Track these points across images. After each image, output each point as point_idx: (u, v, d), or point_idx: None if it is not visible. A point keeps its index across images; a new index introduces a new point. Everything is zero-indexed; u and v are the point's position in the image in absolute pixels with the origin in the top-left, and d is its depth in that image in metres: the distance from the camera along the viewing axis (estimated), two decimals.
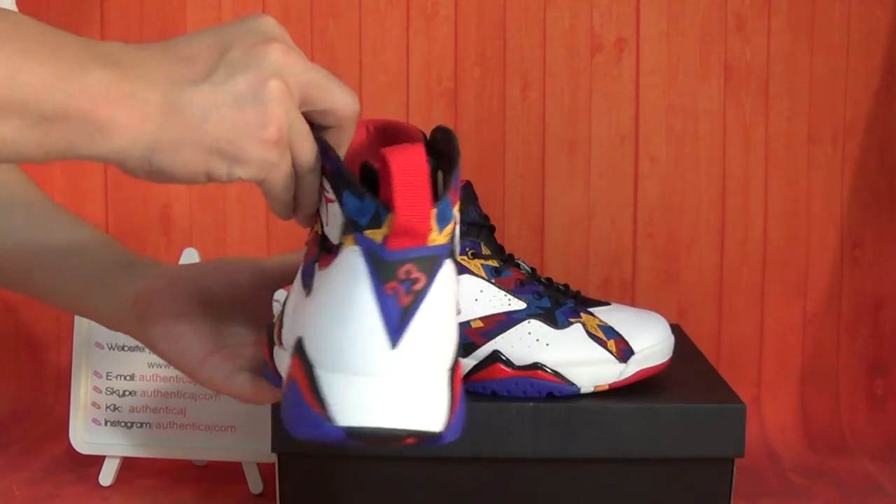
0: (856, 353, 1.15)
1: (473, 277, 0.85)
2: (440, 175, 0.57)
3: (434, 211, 0.52)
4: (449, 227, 0.53)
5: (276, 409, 0.83)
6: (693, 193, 1.15)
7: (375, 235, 0.52)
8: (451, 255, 0.54)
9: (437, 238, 0.53)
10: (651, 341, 0.86)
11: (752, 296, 1.15)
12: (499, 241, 0.90)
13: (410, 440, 0.53)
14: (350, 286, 0.53)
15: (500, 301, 0.84)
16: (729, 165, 1.15)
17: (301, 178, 0.57)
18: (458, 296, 0.60)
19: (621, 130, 1.15)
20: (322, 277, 0.55)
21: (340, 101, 0.60)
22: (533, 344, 0.83)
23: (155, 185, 1.16)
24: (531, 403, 0.82)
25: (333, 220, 0.55)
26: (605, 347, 0.84)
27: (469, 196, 0.89)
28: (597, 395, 0.84)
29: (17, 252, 0.73)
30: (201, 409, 0.96)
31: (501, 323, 0.83)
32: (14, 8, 0.86)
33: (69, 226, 0.74)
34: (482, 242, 0.87)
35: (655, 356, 0.86)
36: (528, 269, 0.89)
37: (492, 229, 0.89)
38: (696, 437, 0.82)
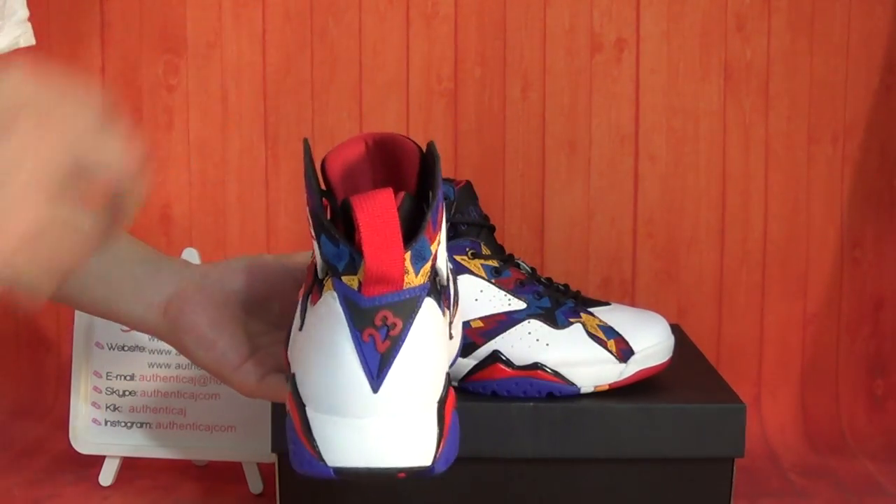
0: (856, 353, 1.15)
1: (473, 277, 0.85)
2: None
3: (408, 255, 0.53)
4: (426, 266, 0.54)
5: (276, 409, 0.83)
6: (693, 193, 1.15)
7: (351, 282, 0.53)
8: (432, 292, 0.54)
9: (414, 280, 0.53)
10: (651, 341, 0.86)
11: (752, 296, 1.15)
12: (499, 241, 0.90)
13: (401, 475, 0.55)
14: (331, 330, 0.54)
15: (500, 301, 0.84)
16: (729, 165, 1.15)
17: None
18: (451, 317, 0.60)
19: (621, 130, 1.15)
20: (311, 314, 0.56)
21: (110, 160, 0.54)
22: (533, 344, 0.83)
23: (155, 184, 1.16)
24: (531, 403, 0.82)
25: (317, 257, 0.56)
26: (605, 347, 0.84)
27: (469, 196, 0.89)
28: (597, 395, 0.84)
29: None
30: (201, 409, 0.96)
31: (501, 323, 0.83)
32: (26, 11, 0.86)
33: None
34: (482, 242, 0.87)
35: (655, 356, 0.86)
36: (528, 269, 0.89)
37: (492, 229, 0.89)
38: (696, 437, 0.82)
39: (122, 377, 0.97)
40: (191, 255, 0.96)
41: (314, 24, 1.15)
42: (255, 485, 0.95)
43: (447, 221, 0.84)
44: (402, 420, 0.54)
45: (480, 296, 0.84)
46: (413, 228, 0.54)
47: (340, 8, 1.15)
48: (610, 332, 0.85)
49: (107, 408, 0.97)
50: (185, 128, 1.16)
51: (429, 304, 0.54)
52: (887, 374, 1.15)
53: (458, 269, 0.85)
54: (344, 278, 0.53)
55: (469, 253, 0.86)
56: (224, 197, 1.17)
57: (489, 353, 0.83)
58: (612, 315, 0.87)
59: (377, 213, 0.52)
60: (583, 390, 0.83)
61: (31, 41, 0.87)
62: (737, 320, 1.15)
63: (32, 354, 1.19)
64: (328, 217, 0.57)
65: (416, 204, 0.56)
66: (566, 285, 0.91)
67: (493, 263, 0.86)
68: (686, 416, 0.82)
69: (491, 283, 0.85)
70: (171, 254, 0.84)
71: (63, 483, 0.97)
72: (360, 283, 0.53)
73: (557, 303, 0.86)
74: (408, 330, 0.53)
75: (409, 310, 0.54)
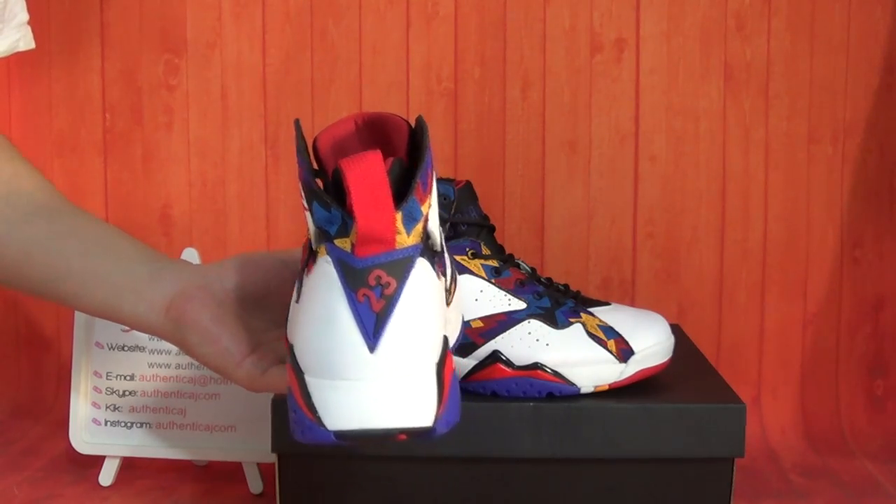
0: (856, 353, 1.15)
1: (473, 277, 0.85)
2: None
3: (399, 215, 0.54)
4: (418, 227, 0.55)
5: (276, 408, 0.83)
6: (693, 193, 1.15)
7: (344, 244, 0.54)
8: (425, 253, 0.55)
9: (406, 240, 0.55)
10: (651, 341, 0.86)
11: (752, 296, 1.15)
12: (499, 241, 0.90)
13: (402, 437, 0.55)
14: (326, 294, 0.55)
15: (500, 301, 0.84)
16: (729, 165, 1.15)
17: None
18: (447, 285, 0.62)
19: (621, 130, 1.15)
20: (306, 284, 0.57)
21: None
22: (533, 344, 0.83)
23: (155, 184, 1.16)
24: (531, 403, 0.82)
25: (310, 228, 0.57)
26: (605, 347, 0.84)
27: (469, 196, 0.89)
28: (597, 395, 0.84)
29: (44, 261, 0.73)
30: (201, 409, 0.96)
31: (501, 323, 0.83)
32: (26, 15, 0.86)
33: (94, 231, 0.75)
34: (482, 242, 0.87)
35: (655, 356, 0.86)
36: (528, 269, 0.89)
37: (492, 229, 0.89)
38: (696, 437, 0.82)
39: (122, 377, 0.97)
40: (191, 255, 0.96)
41: (314, 24, 1.15)
42: (255, 485, 0.95)
43: (447, 221, 0.85)
44: (401, 380, 0.55)
45: (480, 296, 0.84)
46: (403, 192, 0.55)
47: (340, 8, 1.15)
48: (610, 332, 0.85)
49: (107, 408, 0.97)
50: (185, 128, 1.17)
51: (422, 265, 0.55)
52: (887, 374, 1.15)
53: (459, 269, 0.85)
54: (336, 241, 0.54)
55: (469, 253, 0.86)
56: (224, 197, 1.17)
57: (489, 353, 0.83)
58: (612, 315, 0.87)
59: (366, 173, 0.53)
60: (583, 390, 0.83)
61: (31, 45, 0.87)
62: (737, 320, 1.15)
63: (32, 354, 1.20)
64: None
65: (406, 171, 0.57)
66: (566, 285, 0.91)
67: (493, 263, 0.86)
68: (686, 416, 0.82)
69: (491, 283, 0.85)
70: (171, 254, 0.84)
71: (63, 483, 0.97)
72: (352, 244, 0.54)
73: (557, 303, 0.86)
74: (402, 289, 0.54)
75: (402, 269, 0.54)
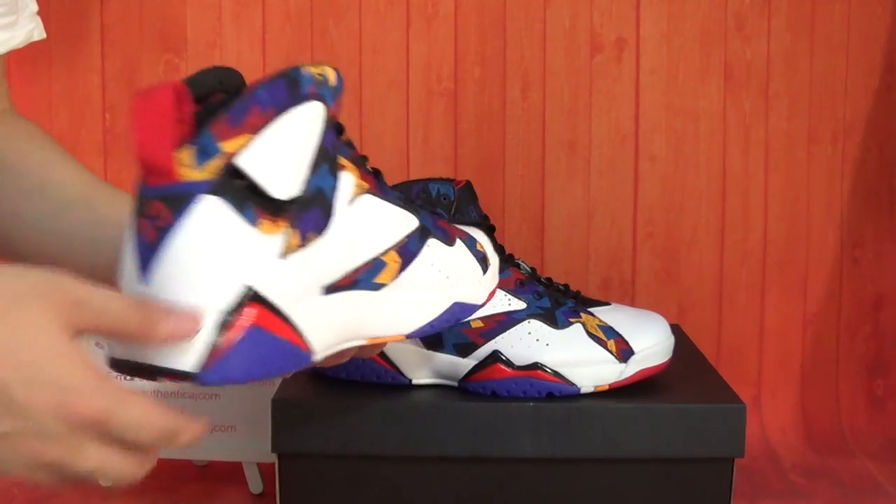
0: (856, 353, 1.15)
1: None
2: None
3: (191, 149, 0.54)
4: (214, 163, 0.54)
5: (276, 408, 0.83)
6: (693, 193, 1.15)
7: (141, 171, 0.55)
8: (223, 191, 0.54)
9: (192, 174, 0.54)
10: (651, 341, 0.86)
11: (752, 296, 1.15)
12: (499, 241, 0.90)
13: (164, 377, 0.54)
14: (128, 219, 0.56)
15: (500, 301, 0.84)
16: (729, 165, 1.15)
17: None
18: (478, 255, 0.71)
19: (621, 130, 1.15)
20: None
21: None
22: (533, 344, 0.83)
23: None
24: (531, 403, 0.82)
25: None
26: (605, 347, 0.84)
27: (469, 196, 0.89)
28: (597, 395, 0.84)
29: (87, 251, 0.73)
30: (201, 409, 0.96)
31: (501, 323, 0.83)
32: (36, 5, 0.86)
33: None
34: None
35: (655, 356, 0.86)
36: (528, 269, 0.89)
37: (492, 229, 0.89)
38: (696, 437, 0.82)
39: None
40: None
41: (314, 25, 1.15)
42: (255, 485, 0.95)
43: (449, 219, 0.84)
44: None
45: None
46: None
47: (340, 8, 1.15)
48: (610, 332, 0.85)
49: None
50: None
51: (211, 202, 0.54)
52: (887, 374, 1.15)
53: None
54: (140, 169, 0.55)
55: None
56: None
57: (489, 353, 0.83)
58: (612, 315, 0.87)
59: (150, 105, 0.53)
60: (583, 390, 0.83)
61: (43, 34, 0.87)
62: (737, 320, 1.15)
63: None
64: None
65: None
66: (566, 285, 0.91)
67: None
68: (686, 416, 0.82)
69: None
70: None
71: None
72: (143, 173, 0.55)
73: (557, 303, 0.86)
74: (176, 224, 0.54)
75: (179, 203, 0.54)
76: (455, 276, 0.71)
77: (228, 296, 0.55)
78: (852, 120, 1.14)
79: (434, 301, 0.69)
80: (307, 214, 0.59)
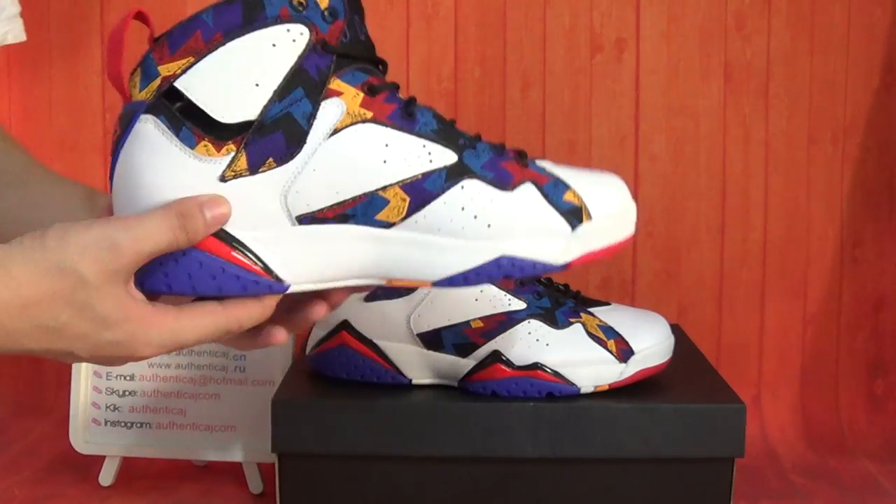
0: (856, 353, 1.15)
1: None
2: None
3: (137, 72, 0.60)
4: (152, 84, 0.59)
5: (276, 408, 0.83)
6: (693, 193, 1.15)
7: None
8: (159, 111, 0.59)
9: (138, 95, 0.59)
10: (651, 341, 0.86)
11: (752, 296, 1.15)
12: None
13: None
14: None
15: (500, 301, 0.84)
16: (729, 165, 1.15)
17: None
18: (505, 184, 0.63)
19: (621, 130, 1.15)
20: None
21: None
22: (533, 344, 0.83)
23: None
24: (531, 403, 0.82)
25: None
26: (605, 347, 0.84)
27: None
28: (597, 395, 0.84)
29: (18, 233, 0.73)
30: (201, 409, 0.96)
31: (501, 323, 0.83)
32: (17, 7, 0.86)
33: (65, 197, 0.75)
34: None
35: (655, 356, 0.86)
36: None
37: None
38: (696, 437, 0.82)
39: (122, 377, 0.97)
40: None
41: None
42: (255, 485, 0.95)
43: None
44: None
45: (480, 296, 0.84)
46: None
47: None
48: (610, 332, 0.85)
49: (107, 408, 0.97)
50: None
51: (146, 122, 0.59)
52: (887, 374, 1.15)
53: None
54: None
55: None
56: None
57: (489, 353, 0.83)
58: (612, 315, 0.87)
59: (113, 35, 0.59)
60: (583, 390, 0.83)
61: (21, 37, 0.87)
62: (737, 320, 1.15)
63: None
64: None
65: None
66: (566, 285, 0.91)
67: None
68: (686, 416, 0.82)
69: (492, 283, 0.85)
70: None
71: (63, 483, 0.97)
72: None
73: (557, 303, 0.86)
74: (123, 140, 0.60)
75: (125, 120, 0.60)
76: (503, 225, 0.62)
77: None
78: (852, 120, 1.14)
79: (468, 249, 0.62)
80: (264, 139, 0.59)
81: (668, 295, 1.15)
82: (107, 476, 0.96)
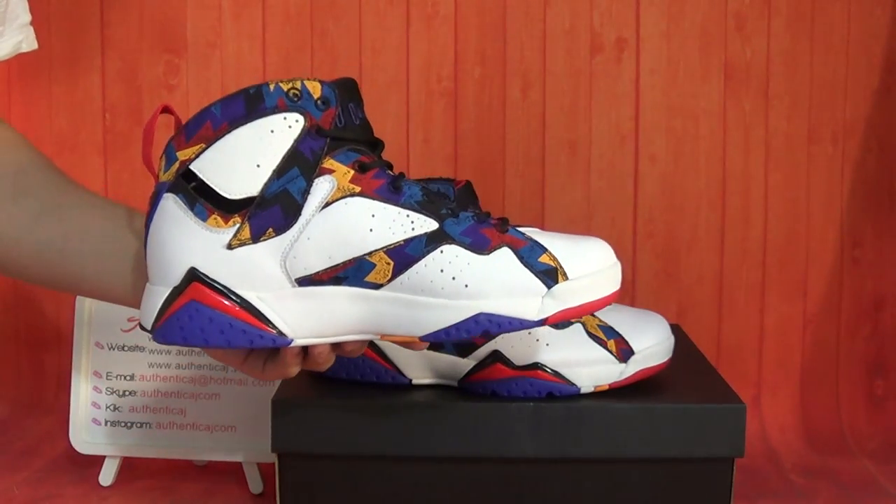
0: (856, 353, 1.15)
1: None
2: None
3: (160, 158, 0.70)
4: (173, 167, 0.69)
5: (276, 408, 0.83)
6: (693, 193, 1.15)
7: None
8: (178, 190, 0.69)
9: (162, 177, 0.70)
10: (651, 341, 0.86)
11: (752, 296, 1.15)
12: None
13: (145, 329, 0.70)
14: None
15: None
16: (729, 165, 1.15)
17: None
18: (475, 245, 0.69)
19: (621, 130, 1.15)
20: None
21: None
22: (533, 344, 0.83)
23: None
24: (531, 403, 0.82)
25: None
26: (605, 347, 0.84)
27: (469, 196, 0.89)
28: (597, 395, 0.84)
29: (58, 263, 0.76)
30: (201, 409, 0.96)
31: None
32: (28, 16, 0.86)
33: (104, 226, 0.76)
34: None
35: (655, 356, 0.86)
36: None
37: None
38: (696, 437, 0.82)
39: (122, 377, 0.97)
40: None
41: (314, 25, 1.15)
42: (255, 485, 0.95)
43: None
44: (147, 289, 0.70)
45: None
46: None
47: (340, 8, 1.15)
48: (610, 332, 0.85)
49: (107, 408, 0.97)
50: None
51: (168, 199, 0.69)
52: (887, 374, 1.15)
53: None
54: None
55: None
56: None
57: (489, 353, 0.83)
58: (612, 315, 0.87)
59: (145, 128, 0.70)
60: (583, 390, 0.83)
61: (34, 45, 0.87)
62: (737, 320, 1.15)
63: (32, 354, 1.19)
64: None
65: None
66: None
67: None
68: (686, 416, 0.82)
69: None
70: None
71: (63, 483, 0.97)
72: None
73: None
74: (151, 216, 0.70)
75: (154, 198, 0.70)
76: (479, 285, 0.69)
77: (177, 273, 0.68)
78: (852, 120, 1.14)
79: (448, 307, 0.69)
80: (265, 212, 0.68)
81: (667, 295, 1.15)
82: (107, 476, 0.96)
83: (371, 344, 0.85)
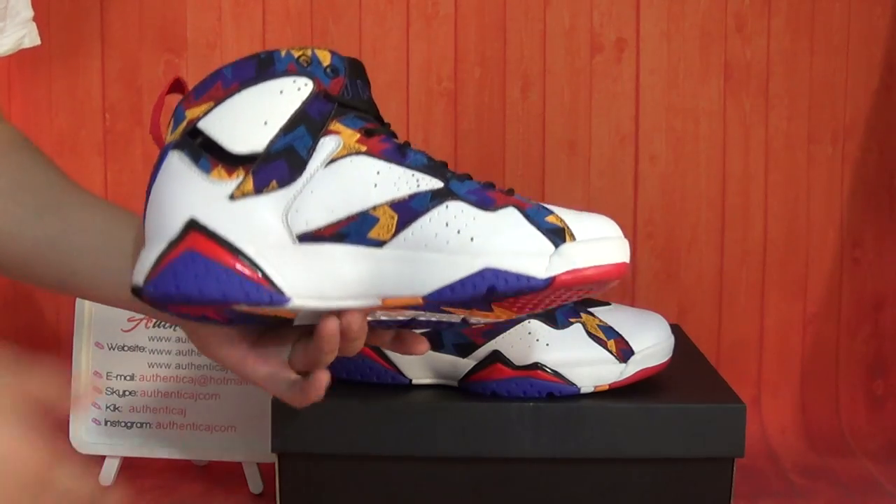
0: (856, 353, 1.15)
1: None
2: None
3: (171, 119, 0.70)
4: (181, 127, 0.69)
5: (276, 408, 0.83)
6: (693, 193, 1.15)
7: None
8: (184, 148, 0.68)
9: (169, 137, 0.70)
10: (651, 341, 0.86)
11: (752, 296, 1.15)
12: None
13: (136, 294, 0.68)
14: None
15: None
16: (729, 165, 1.15)
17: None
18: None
19: (621, 130, 1.15)
20: None
21: None
22: (533, 344, 0.83)
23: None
24: (531, 403, 0.82)
25: None
26: (605, 347, 0.84)
27: None
28: (597, 395, 0.84)
29: (55, 259, 0.75)
30: (201, 409, 0.96)
31: (502, 323, 0.83)
32: (30, 11, 0.86)
33: (103, 224, 0.76)
34: None
35: (655, 356, 0.86)
36: None
37: None
38: (696, 437, 0.82)
39: (122, 377, 0.97)
40: None
41: (314, 24, 1.15)
42: (255, 485, 0.95)
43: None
44: (145, 246, 0.68)
45: None
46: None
47: (340, 8, 1.15)
48: (610, 332, 0.85)
49: (107, 408, 0.97)
50: None
51: (172, 155, 0.68)
52: (887, 374, 1.15)
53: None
54: None
55: None
56: None
57: (489, 353, 0.83)
58: (612, 315, 0.87)
59: (158, 97, 0.71)
60: (583, 390, 0.83)
61: (36, 41, 0.87)
62: (737, 320, 1.15)
63: (32, 354, 1.19)
64: None
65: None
66: None
67: None
68: (686, 416, 0.82)
69: None
70: None
71: None
72: None
73: None
74: (156, 173, 0.69)
75: (160, 158, 0.69)
76: (486, 240, 0.65)
77: (176, 226, 0.67)
78: (852, 120, 1.14)
79: (452, 262, 0.65)
80: (269, 165, 0.67)
81: (668, 295, 1.15)
82: (107, 476, 0.96)
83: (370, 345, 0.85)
